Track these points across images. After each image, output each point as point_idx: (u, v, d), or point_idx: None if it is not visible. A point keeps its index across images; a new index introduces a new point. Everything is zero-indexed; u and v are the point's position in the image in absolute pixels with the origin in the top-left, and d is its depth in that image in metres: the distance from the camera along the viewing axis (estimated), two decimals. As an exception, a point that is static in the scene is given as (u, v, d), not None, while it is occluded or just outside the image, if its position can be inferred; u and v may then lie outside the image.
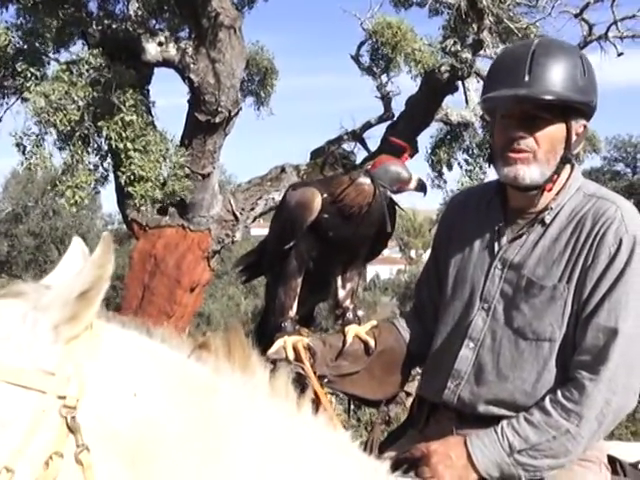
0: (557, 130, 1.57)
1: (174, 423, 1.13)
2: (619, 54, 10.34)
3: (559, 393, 1.52)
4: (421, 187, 1.76)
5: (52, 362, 1.06)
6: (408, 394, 1.90)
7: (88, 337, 1.10)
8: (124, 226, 12.11)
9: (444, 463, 1.51)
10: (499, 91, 1.56)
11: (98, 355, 1.10)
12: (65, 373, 1.06)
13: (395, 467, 1.51)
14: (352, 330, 1.75)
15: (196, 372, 1.21)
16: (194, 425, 1.15)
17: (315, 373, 1.66)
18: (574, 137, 1.59)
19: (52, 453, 1.03)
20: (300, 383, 1.63)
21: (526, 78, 1.54)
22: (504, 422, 1.54)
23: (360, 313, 1.82)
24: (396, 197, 1.79)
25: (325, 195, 1.71)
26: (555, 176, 1.59)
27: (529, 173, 1.57)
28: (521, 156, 1.56)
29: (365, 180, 1.71)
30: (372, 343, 1.74)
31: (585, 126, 1.62)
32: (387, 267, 33.01)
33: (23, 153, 7.79)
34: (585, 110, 1.60)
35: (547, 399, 1.53)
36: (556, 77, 1.54)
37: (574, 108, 1.57)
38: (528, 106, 1.55)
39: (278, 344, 1.71)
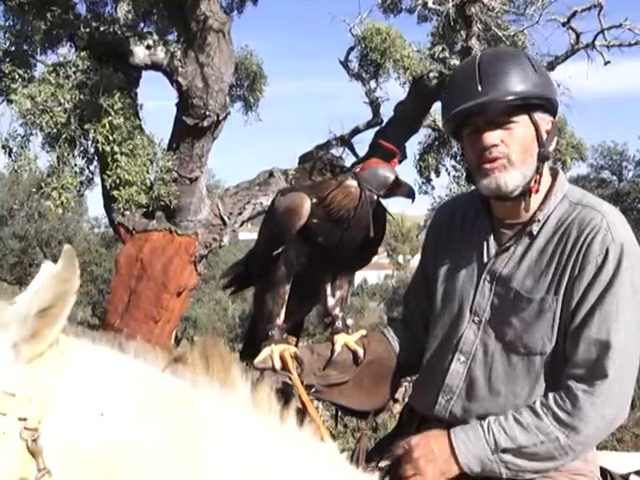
0: (525, 130, 1.56)
1: (146, 442, 1.09)
2: (606, 63, 10.42)
3: (551, 399, 1.50)
4: (409, 193, 1.73)
5: (12, 382, 1.02)
6: (395, 400, 1.88)
7: (53, 355, 1.05)
8: (111, 230, 12.05)
9: (426, 457, 1.48)
10: (455, 109, 1.56)
11: (64, 374, 1.06)
12: (26, 394, 1.02)
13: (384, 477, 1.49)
14: (341, 339, 1.72)
15: (171, 387, 1.17)
16: (168, 443, 1.11)
17: (302, 383, 1.63)
18: (544, 134, 1.58)
19: (11, 478, 0.98)
20: (287, 393, 1.60)
21: (479, 88, 1.54)
22: (491, 418, 1.52)
23: (349, 322, 1.79)
24: (384, 202, 1.77)
25: (314, 200, 1.68)
26: (537, 176, 1.58)
27: (509, 179, 1.55)
28: (496, 164, 1.55)
29: (352, 182, 1.68)
30: (361, 353, 1.71)
31: (553, 122, 1.62)
32: (375, 272, 33.03)
33: (9, 155, 7.73)
34: (546, 105, 1.59)
35: (538, 402, 1.51)
36: (507, 78, 1.54)
37: (535, 105, 1.57)
38: (489, 115, 1.55)
39: (265, 353, 1.67)
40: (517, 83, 1.54)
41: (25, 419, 1.01)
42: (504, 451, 1.48)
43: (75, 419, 1.05)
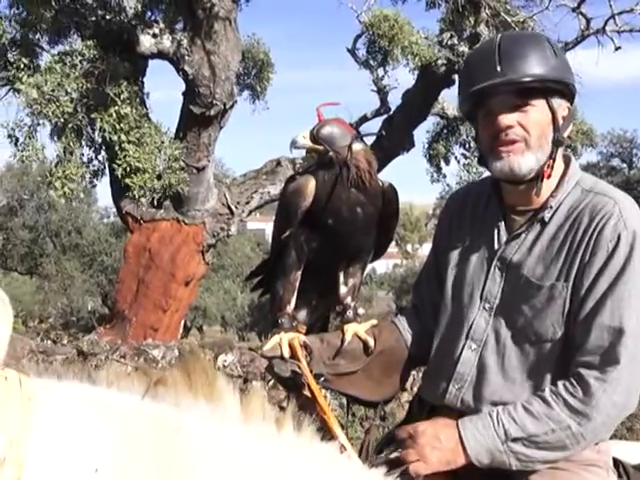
0: (542, 114, 1.55)
1: (135, 478, 1.02)
2: (616, 48, 10.31)
3: (561, 387, 1.47)
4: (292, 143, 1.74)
5: None
6: (403, 389, 1.85)
7: (20, 404, 0.96)
8: (120, 220, 12.07)
9: (431, 445, 1.46)
10: (473, 88, 1.55)
11: (35, 423, 0.97)
12: None
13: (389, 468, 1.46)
14: (351, 328, 1.69)
15: (153, 414, 1.10)
16: (158, 473, 1.04)
17: (311, 371, 1.61)
18: (560, 120, 1.56)
19: None
20: (296, 382, 1.58)
21: (498, 69, 1.52)
22: (499, 408, 1.50)
23: (361, 311, 1.77)
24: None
25: (326, 177, 1.66)
26: (550, 161, 1.56)
27: (524, 162, 1.54)
28: (513, 147, 1.53)
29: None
30: (372, 343, 1.68)
31: (569, 108, 1.60)
32: (383, 261, 33.03)
33: (15, 145, 7.75)
34: (564, 90, 1.58)
35: (547, 391, 1.49)
36: (526, 60, 1.53)
37: (553, 89, 1.56)
38: (507, 96, 1.53)
39: (274, 341, 1.65)
40: (536, 65, 1.53)
41: None
42: (514, 440, 1.46)
43: (56, 469, 0.98)
